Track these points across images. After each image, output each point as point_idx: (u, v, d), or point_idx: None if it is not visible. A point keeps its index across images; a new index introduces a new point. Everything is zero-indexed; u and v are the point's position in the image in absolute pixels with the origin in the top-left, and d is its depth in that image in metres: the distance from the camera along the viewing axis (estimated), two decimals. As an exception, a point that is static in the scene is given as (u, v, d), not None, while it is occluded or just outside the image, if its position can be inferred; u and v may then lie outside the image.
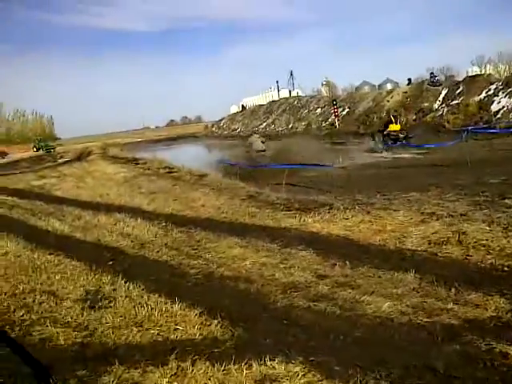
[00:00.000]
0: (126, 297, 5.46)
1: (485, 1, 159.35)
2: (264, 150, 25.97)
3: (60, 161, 39.49)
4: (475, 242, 6.33)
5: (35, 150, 63.62)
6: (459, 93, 30.66)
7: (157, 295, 5.44)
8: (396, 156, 22.05)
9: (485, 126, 23.97)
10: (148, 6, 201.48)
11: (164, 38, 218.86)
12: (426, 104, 32.61)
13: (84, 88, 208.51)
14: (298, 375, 3.57)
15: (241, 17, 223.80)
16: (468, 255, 6.03)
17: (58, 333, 4.62)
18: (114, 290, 5.76)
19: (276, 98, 64.42)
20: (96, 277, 6.28)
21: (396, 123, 26.30)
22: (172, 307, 5.02)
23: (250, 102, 73.47)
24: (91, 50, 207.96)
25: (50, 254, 7.58)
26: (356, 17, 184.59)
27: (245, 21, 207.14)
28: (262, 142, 27.56)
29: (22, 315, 5.15)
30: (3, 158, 57.27)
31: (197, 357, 3.90)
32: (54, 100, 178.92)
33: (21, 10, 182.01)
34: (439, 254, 6.17)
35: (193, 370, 3.71)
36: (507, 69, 48.94)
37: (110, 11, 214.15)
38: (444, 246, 6.38)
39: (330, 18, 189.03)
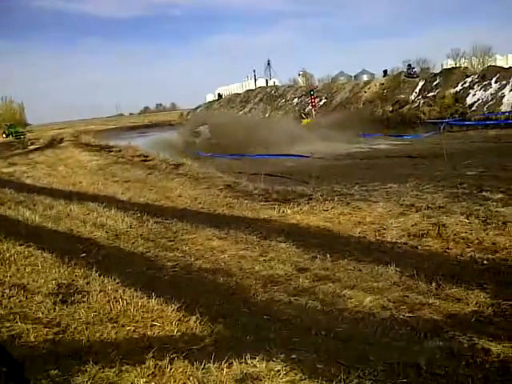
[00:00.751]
0: (100, 291, 5.26)
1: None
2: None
3: (31, 148, 38.46)
4: (454, 235, 6.34)
5: (5, 136, 61.90)
6: (435, 85, 30.89)
7: (132, 289, 5.26)
8: (372, 147, 22.12)
9: (460, 118, 24.24)
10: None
11: (139, 25, 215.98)
12: (402, 96, 32.77)
13: (57, 74, 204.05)
14: (279, 374, 3.46)
15: (218, 5, 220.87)
16: (448, 248, 6.03)
17: (28, 329, 4.40)
18: (88, 283, 5.56)
19: (253, 87, 64.02)
20: (68, 269, 6.05)
21: (307, 118, 35.90)
22: (148, 302, 4.85)
23: (227, 90, 72.79)
24: (66, 35, 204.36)
25: (20, 245, 7.30)
26: (333, 8, 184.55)
27: (222, 9, 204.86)
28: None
29: (-10, 310, 4.91)
30: (-29, 143, 55.68)
31: (175, 355, 3.74)
32: (26, 85, 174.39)
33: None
34: (419, 247, 6.16)
35: (171, 369, 3.56)
36: (481, 62, 49.68)
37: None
38: (424, 239, 6.37)
39: (308, 8, 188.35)
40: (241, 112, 54.54)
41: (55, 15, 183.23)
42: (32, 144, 42.90)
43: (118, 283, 5.48)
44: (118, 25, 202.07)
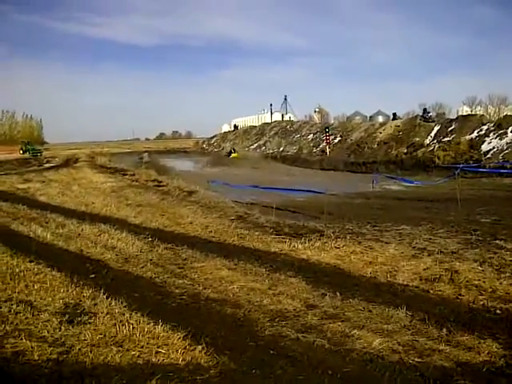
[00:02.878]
0: (107, 313, 5.22)
1: (477, 44, 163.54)
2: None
3: (46, 165, 39.07)
4: (467, 282, 6.24)
5: (22, 152, 62.92)
6: (451, 130, 31.01)
7: (139, 314, 5.21)
8: (385, 187, 22.08)
9: (475, 165, 24.19)
10: (146, 20, 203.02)
11: (159, 53, 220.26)
12: (417, 139, 32.89)
13: (76, 95, 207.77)
14: (285, 412, 3.39)
15: (238, 38, 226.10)
16: (460, 294, 5.93)
17: (32, 347, 4.35)
18: (95, 304, 5.52)
19: (269, 121, 64.75)
20: (77, 289, 6.03)
21: (235, 153, 46.41)
22: (155, 328, 4.80)
23: (242, 122, 73.70)
24: (87, 58, 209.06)
25: (30, 262, 7.31)
26: (350, 48, 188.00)
27: (242, 42, 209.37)
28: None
29: (-4, 325, 4.89)
30: (-13, 157, 56.60)
31: (179, 384, 3.69)
32: (45, 104, 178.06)
33: (19, 14, 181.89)
34: (431, 292, 6.06)
35: (174, 399, 3.50)
36: (497, 111, 49.87)
37: (108, 22, 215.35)
38: (436, 284, 6.28)
39: (320, 48, 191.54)
40: (255, 144, 55.04)
41: (77, 38, 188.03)
42: (48, 162, 43.60)
43: (125, 307, 5.44)
44: (137, 51, 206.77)
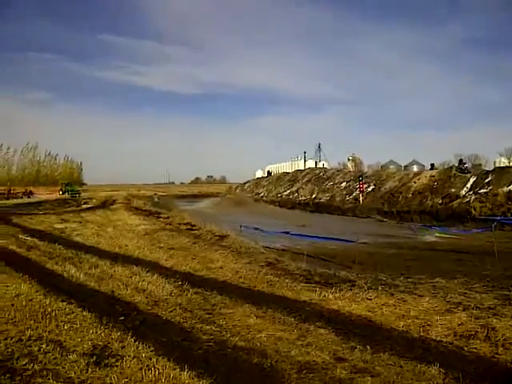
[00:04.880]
0: (134, 357, 5.21)
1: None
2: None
3: (84, 206, 40.10)
4: (504, 340, 5.98)
5: (61, 193, 64.98)
6: (488, 182, 30.44)
7: (166, 359, 5.19)
8: (419, 238, 21.65)
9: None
10: (185, 69, 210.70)
11: (196, 101, 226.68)
12: (453, 190, 32.38)
13: (115, 139, 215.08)
14: None
15: (273, 87, 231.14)
16: (496, 353, 5.67)
17: (59, 388, 4.38)
18: (123, 347, 5.53)
19: (302, 168, 65.16)
20: (105, 331, 6.07)
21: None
22: (180, 374, 4.76)
23: (276, 168, 74.46)
24: (127, 104, 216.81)
25: (61, 301, 7.42)
26: (386, 98, 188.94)
27: (277, 91, 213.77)
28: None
29: (25, 364, 4.94)
30: (29, 197, 58.63)
31: (202, 435, 3.62)
32: (85, 147, 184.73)
33: (66, 62, 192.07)
34: (465, 349, 5.82)
35: None
36: (536, 163, 48.92)
37: (148, 71, 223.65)
38: (471, 340, 6.03)
39: (360, 96, 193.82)
40: (288, 191, 55.25)
41: (118, 86, 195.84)
42: (85, 203, 44.72)
43: (152, 351, 5.42)
44: (175, 98, 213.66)
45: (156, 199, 52.18)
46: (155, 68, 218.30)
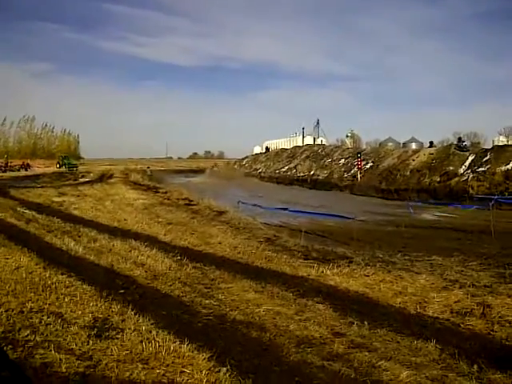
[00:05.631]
0: (135, 330, 5.27)
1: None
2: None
3: (81, 180, 40.03)
4: (500, 317, 6.06)
5: (58, 166, 64.66)
6: (486, 161, 30.38)
7: (166, 332, 5.25)
8: (416, 216, 21.70)
9: (511, 196, 23.60)
10: (187, 41, 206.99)
11: (198, 74, 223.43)
12: (451, 168, 32.33)
13: (112, 111, 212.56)
14: None
15: (275, 61, 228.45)
16: (492, 330, 5.75)
17: (60, 359, 4.43)
18: (123, 320, 5.59)
19: (300, 144, 64.88)
20: (106, 304, 6.12)
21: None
22: (180, 347, 4.82)
23: (274, 144, 74.06)
24: (128, 76, 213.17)
25: (61, 274, 7.46)
26: (387, 75, 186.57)
27: (278, 66, 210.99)
28: None
29: (27, 335, 4.99)
30: (26, 170, 58.42)
31: (202, 406, 3.68)
32: (83, 119, 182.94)
33: (69, 32, 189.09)
34: (461, 326, 5.90)
35: (197, 420, 3.50)
36: (535, 142, 48.79)
37: (149, 42, 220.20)
38: (467, 318, 6.11)
39: (359, 72, 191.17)
40: (286, 167, 55.15)
41: (120, 57, 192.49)
42: (83, 177, 44.65)
43: (152, 324, 5.49)
44: (176, 71, 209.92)
45: (149, 172, 54.05)
46: (158, 39, 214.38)
